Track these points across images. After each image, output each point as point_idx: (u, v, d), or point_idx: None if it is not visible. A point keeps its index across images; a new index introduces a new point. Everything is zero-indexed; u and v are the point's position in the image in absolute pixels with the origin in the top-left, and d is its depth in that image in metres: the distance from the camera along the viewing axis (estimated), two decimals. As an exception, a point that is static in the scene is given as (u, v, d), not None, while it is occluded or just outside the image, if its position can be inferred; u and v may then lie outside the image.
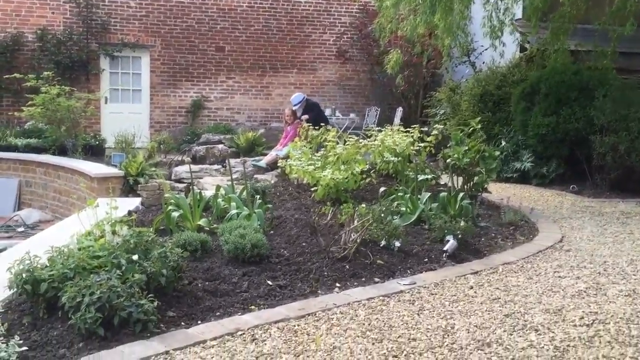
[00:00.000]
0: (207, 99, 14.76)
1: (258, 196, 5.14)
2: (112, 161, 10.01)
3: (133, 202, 6.81)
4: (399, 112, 13.49)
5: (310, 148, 6.78)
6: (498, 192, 7.36)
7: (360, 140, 6.42)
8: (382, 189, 5.71)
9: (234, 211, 4.73)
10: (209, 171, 9.96)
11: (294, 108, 10.13)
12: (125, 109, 14.43)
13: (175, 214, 4.60)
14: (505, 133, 9.37)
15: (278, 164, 8.68)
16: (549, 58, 9.54)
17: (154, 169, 9.67)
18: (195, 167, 10.03)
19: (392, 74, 10.07)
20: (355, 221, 4.00)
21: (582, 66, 9.08)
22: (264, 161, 9.54)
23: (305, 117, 10.23)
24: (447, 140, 10.45)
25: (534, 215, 6.02)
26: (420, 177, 5.76)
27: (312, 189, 5.90)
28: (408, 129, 6.96)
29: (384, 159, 6.19)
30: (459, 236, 4.54)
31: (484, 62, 11.13)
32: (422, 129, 6.96)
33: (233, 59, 14.85)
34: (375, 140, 6.58)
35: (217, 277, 3.79)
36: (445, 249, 4.37)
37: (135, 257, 3.50)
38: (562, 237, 5.21)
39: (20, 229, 9.88)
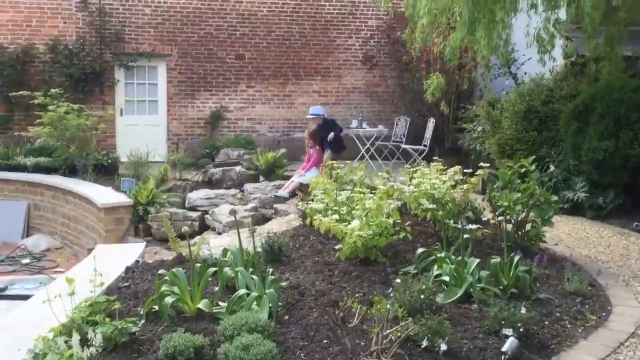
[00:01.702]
0: (226, 109, 13.98)
1: (270, 270, 4.28)
2: (122, 187, 9.29)
3: (136, 250, 6.03)
4: (431, 123, 12.52)
5: (335, 189, 5.90)
6: (549, 228, 6.39)
7: (392, 184, 5.52)
8: (419, 250, 4.81)
9: (242, 291, 3.90)
10: (225, 197, 9.17)
11: (309, 116, 9.36)
12: (142, 121, 13.76)
13: (169, 300, 3.78)
14: (553, 156, 8.37)
15: (300, 194, 7.85)
16: (601, 69, 8.49)
17: (165, 196, 8.92)
18: (210, 193, 9.27)
19: (432, 101, 9.17)
20: (388, 327, 3.13)
21: (643, 80, 8.02)
22: (285, 191, 8.70)
23: (331, 135, 9.38)
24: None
25: (602, 277, 5.06)
26: (466, 235, 4.83)
27: (337, 245, 5.03)
28: (445, 168, 6.03)
29: (421, 207, 5.29)
30: (520, 329, 3.64)
31: (525, 73, 10.09)
32: (464, 170, 6.02)
33: (253, 67, 14.03)
34: (409, 183, 5.68)
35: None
36: (504, 349, 3.47)
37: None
38: (642, 312, 4.28)
39: (25, 261, 9.24)
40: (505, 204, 5.24)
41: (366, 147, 12.62)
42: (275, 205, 8.62)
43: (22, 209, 10.65)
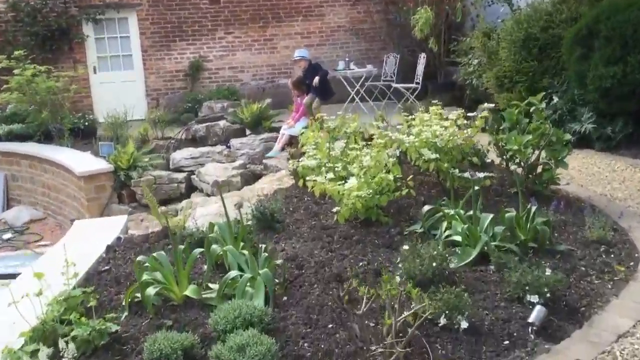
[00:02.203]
0: (205, 59, 13.24)
1: (263, 247, 3.83)
2: (100, 152, 8.73)
3: (117, 223, 5.57)
4: (422, 59, 11.88)
5: (327, 142, 5.41)
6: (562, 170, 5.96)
7: (389, 134, 5.02)
8: (425, 207, 4.36)
9: (233, 273, 3.47)
10: (212, 155, 8.65)
11: (295, 57, 8.77)
12: (117, 78, 13.03)
13: (152, 291, 3.35)
14: (556, 86, 7.84)
15: (290, 149, 7.36)
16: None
17: (147, 158, 8.38)
18: (195, 152, 8.75)
19: (422, 37, 8.55)
20: (403, 312, 2.72)
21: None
22: (276, 150, 8.19)
23: (316, 80, 8.81)
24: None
25: (624, 219, 4.66)
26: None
27: (335, 208, 4.58)
28: (444, 111, 5.53)
29: (423, 158, 4.82)
30: (547, 294, 3.25)
31: (521, -2, 9.43)
32: (467, 114, 5.51)
33: (230, 11, 13.21)
34: (407, 131, 5.17)
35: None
36: (531, 320, 3.08)
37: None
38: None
39: (7, 236, 8.78)
40: (515, 147, 4.77)
41: (355, 89, 12.02)
42: (264, 161, 8.14)
43: (-1, 181, 10.11)
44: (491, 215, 4.00)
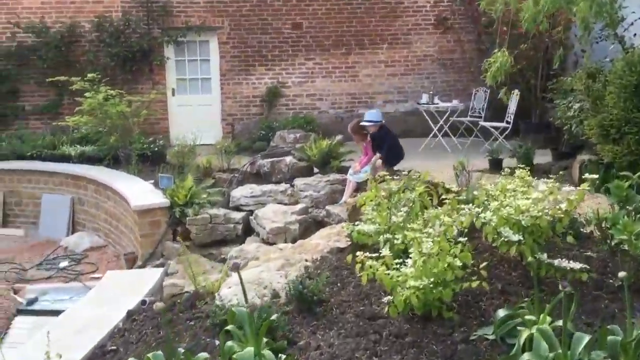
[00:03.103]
0: (283, 85, 12.78)
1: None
2: (160, 184, 8.35)
3: (151, 277, 5.02)
4: (515, 96, 10.79)
5: (388, 207, 4.60)
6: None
7: (463, 208, 4.15)
8: (499, 312, 3.46)
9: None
10: (274, 194, 8.03)
11: (365, 124, 7.73)
12: (195, 101, 12.83)
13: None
14: (676, 143, 6.62)
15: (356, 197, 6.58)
16: None
17: (205, 195, 7.88)
18: (256, 189, 8.18)
19: (493, 85, 7.61)
20: None
21: None
22: (345, 197, 7.38)
23: (378, 158, 7.58)
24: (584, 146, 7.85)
25: None
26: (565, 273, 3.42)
27: (385, 298, 3.76)
28: (530, 176, 4.57)
29: (504, 238, 3.91)
30: None
31: (635, 35, 8.19)
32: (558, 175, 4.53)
33: (312, 37, 12.70)
34: (485, 204, 4.27)
35: None
36: None
37: None
38: None
39: (63, 264, 8.57)
40: (624, 237, 3.77)
41: (439, 124, 11.11)
42: (327, 208, 7.42)
43: (66, 203, 10.02)
44: (587, 338, 3.04)
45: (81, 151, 10.44)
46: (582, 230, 5.16)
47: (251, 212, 7.84)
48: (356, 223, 4.81)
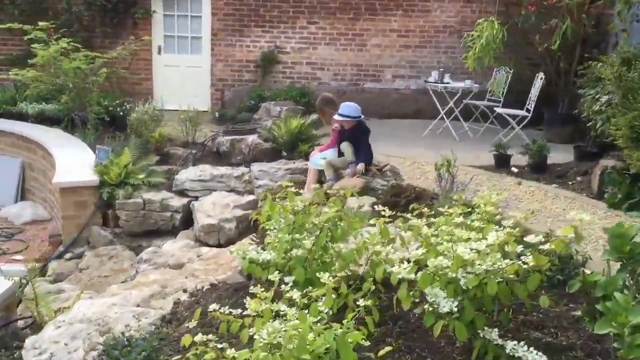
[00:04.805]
0: (282, 50, 11.38)
1: None
2: (97, 157, 7.14)
3: None
4: (539, 80, 9.17)
5: (289, 232, 3.26)
6: None
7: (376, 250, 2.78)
8: None
9: None
10: (227, 179, 6.75)
11: (338, 117, 6.13)
12: (183, 62, 11.59)
13: None
14: None
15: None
16: None
17: (142, 175, 6.63)
18: (206, 172, 6.89)
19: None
20: None
21: None
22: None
23: (361, 167, 5.92)
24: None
25: None
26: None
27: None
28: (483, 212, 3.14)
29: (428, 306, 2.54)
30: None
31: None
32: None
33: (317, -3, 11.21)
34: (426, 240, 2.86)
35: None
36: None
37: None
38: None
39: (-7, 238, 7.53)
40: (612, 329, 2.35)
41: (448, 106, 9.57)
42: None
43: (16, 167, 8.96)
44: None
45: (40, 110, 9.35)
46: (577, 271, 3.80)
47: (196, 198, 6.59)
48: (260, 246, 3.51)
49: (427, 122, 9.99)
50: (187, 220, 6.50)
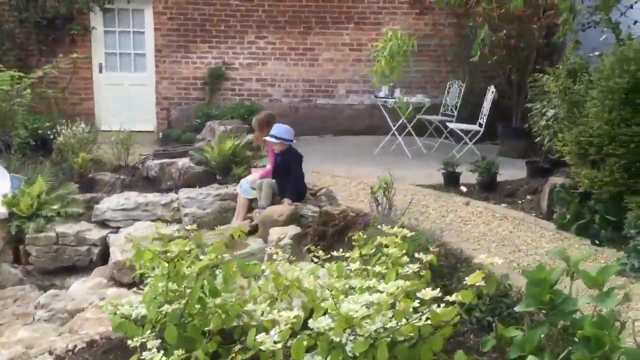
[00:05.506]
0: (230, 66, 10.92)
1: None
2: (11, 187, 6.56)
3: None
4: (490, 94, 8.86)
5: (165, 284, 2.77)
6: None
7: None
8: None
9: None
10: (152, 207, 6.22)
11: (271, 139, 5.66)
12: (126, 80, 11.05)
13: None
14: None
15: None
16: None
17: (57, 205, 6.07)
18: (130, 200, 6.36)
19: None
20: None
21: None
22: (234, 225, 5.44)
23: (289, 204, 5.59)
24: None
25: None
26: None
27: None
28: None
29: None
30: None
31: (636, 22, 6.17)
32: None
33: (265, 11, 10.79)
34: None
35: None
36: None
37: None
38: None
39: None
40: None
41: (399, 122, 9.18)
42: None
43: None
44: None
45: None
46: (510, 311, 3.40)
47: (118, 229, 6.05)
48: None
49: (381, 138, 9.61)
50: (107, 255, 5.94)
